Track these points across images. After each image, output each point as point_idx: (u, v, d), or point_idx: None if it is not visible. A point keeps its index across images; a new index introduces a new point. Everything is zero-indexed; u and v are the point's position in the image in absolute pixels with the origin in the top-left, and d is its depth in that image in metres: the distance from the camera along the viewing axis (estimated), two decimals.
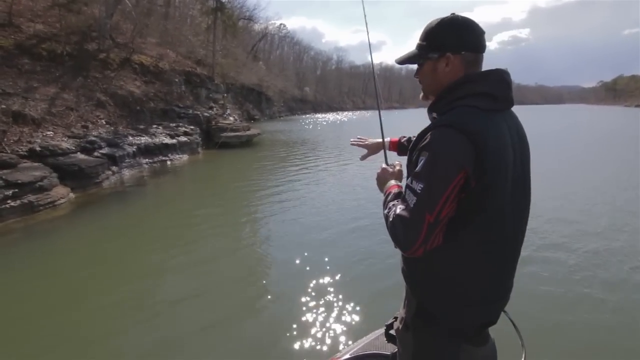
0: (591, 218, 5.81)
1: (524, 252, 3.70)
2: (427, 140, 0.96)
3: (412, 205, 0.94)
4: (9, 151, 7.04)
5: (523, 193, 1.06)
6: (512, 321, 1.26)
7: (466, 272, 1.02)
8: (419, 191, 0.93)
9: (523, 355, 1.25)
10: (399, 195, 1.06)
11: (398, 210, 0.97)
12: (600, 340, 2.93)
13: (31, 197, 5.98)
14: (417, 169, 0.97)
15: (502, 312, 1.16)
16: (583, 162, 11.47)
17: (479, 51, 1.05)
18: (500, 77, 1.03)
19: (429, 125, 1.01)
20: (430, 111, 1.09)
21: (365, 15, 1.66)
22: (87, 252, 4.84)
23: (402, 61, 1.16)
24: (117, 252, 4.82)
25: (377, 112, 1.50)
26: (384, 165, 1.29)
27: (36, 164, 7.04)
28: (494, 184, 0.95)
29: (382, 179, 1.23)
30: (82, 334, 3.09)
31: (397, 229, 0.96)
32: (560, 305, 3.39)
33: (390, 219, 0.98)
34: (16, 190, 5.80)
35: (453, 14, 1.06)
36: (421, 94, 1.17)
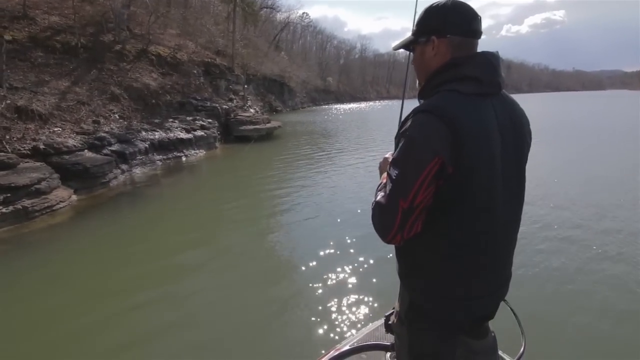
0: (610, 210, 5.70)
1: (530, 241, 4.60)
2: (406, 126, 0.95)
3: (388, 192, 0.93)
4: (9, 150, 6.55)
5: (516, 180, 1.02)
6: (512, 310, 1.29)
7: (454, 266, 0.99)
8: (394, 177, 0.92)
9: (523, 344, 1.30)
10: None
11: (378, 197, 0.97)
12: (600, 333, 2.94)
13: (26, 202, 5.42)
14: (394, 155, 0.96)
15: (503, 302, 1.14)
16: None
17: (467, 35, 1.00)
18: (486, 59, 0.99)
19: (411, 111, 0.97)
20: (419, 97, 1.07)
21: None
22: (82, 267, 4.24)
23: (397, 47, 1.15)
24: (119, 269, 4.18)
25: (401, 101, 1.40)
26: (386, 155, 1.22)
27: (38, 163, 6.53)
28: (475, 171, 0.91)
29: (381, 168, 1.21)
30: None
31: (375, 215, 0.96)
32: (563, 297, 3.41)
33: (372, 207, 0.98)
34: (8, 194, 5.24)
35: None
36: (417, 82, 1.13)
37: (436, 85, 1.00)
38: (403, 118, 1.01)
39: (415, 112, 0.95)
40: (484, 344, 1.12)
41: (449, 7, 1.00)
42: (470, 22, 1.00)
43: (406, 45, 1.11)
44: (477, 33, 1.02)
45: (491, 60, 0.99)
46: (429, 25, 1.03)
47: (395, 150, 1.00)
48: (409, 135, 0.92)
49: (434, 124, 0.89)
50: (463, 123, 0.89)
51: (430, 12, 1.03)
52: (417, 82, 1.12)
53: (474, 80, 0.95)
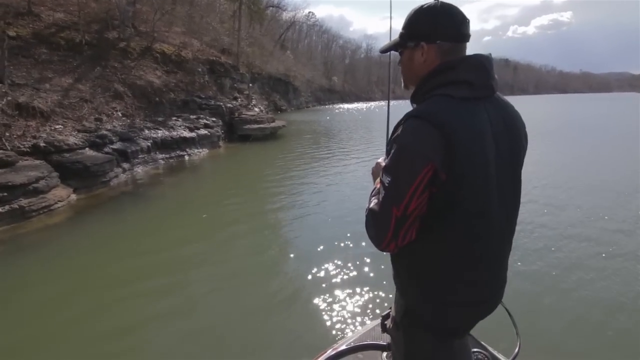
0: (609, 210, 5.62)
1: (527, 241, 4.68)
2: (398, 132, 0.92)
3: (381, 199, 0.92)
4: (9, 147, 6.43)
5: (511, 185, 0.99)
6: (507, 310, 1.30)
7: (449, 272, 0.97)
8: (387, 185, 0.91)
9: (518, 344, 1.32)
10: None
11: (371, 205, 0.96)
12: (596, 333, 2.92)
13: (23, 202, 5.29)
14: (386, 162, 0.94)
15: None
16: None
17: (457, 40, 0.98)
18: (478, 62, 0.96)
19: (403, 116, 0.94)
20: (411, 101, 1.05)
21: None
22: (80, 268, 4.09)
23: (384, 50, 1.13)
24: (119, 270, 4.03)
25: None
26: (379, 160, 1.22)
27: (37, 161, 6.40)
28: (469, 177, 0.89)
29: (374, 174, 1.21)
30: None
31: (369, 223, 0.95)
32: (559, 297, 3.39)
33: (365, 214, 0.98)
34: (5, 193, 5.11)
35: (437, 0, 0.99)
36: (402, 84, 1.11)
37: (429, 90, 0.97)
38: (396, 123, 0.98)
39: (407, 117, 0.92)
40: (463, 341, 1.15)
41: (439, 11, 0.97)
42: (459, 26, 0.98)
43: (394, 48, 1.09)
44: (466, 37, 0.99)
45: (484, 63, 0.96)
46: (417, 29, 1.01)
47: (387, 156, 0.97)
48: (401, 141, 0.90)
49: (426, 129, 0.87)
50: (456, 128, 0.87)
51: (419, 15, 1.00)
52: (403, 83, 1.10)
53: (467, 84, 0.93)
